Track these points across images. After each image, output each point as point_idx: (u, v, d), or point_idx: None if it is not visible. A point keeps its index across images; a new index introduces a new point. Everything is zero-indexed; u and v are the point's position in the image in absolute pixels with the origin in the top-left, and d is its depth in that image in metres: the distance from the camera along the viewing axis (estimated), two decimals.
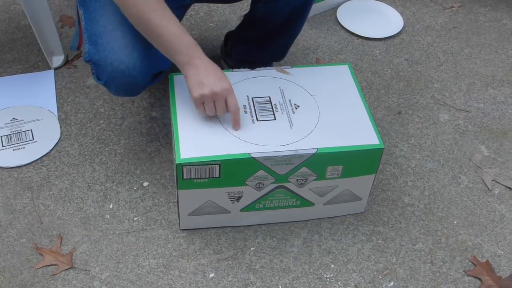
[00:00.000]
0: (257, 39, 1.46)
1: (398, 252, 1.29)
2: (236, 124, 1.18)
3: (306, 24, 1.88)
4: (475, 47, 1.86)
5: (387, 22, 1.92)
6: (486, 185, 1.44)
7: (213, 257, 1.26)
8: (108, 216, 1.32)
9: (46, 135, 1.48)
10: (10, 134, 1.48)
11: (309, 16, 1.90)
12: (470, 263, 1.28)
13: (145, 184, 1.39)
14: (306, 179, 1.20)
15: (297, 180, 1.20)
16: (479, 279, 1.25)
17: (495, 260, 1.28)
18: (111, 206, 1.34)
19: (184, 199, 1.20)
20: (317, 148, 1.15)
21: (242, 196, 1.21)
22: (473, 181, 1.45)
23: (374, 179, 1.26)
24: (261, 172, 1.16)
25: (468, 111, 1.63)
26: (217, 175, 1.15)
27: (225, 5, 1.92)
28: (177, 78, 1.26)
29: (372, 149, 1.18)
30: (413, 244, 1.30)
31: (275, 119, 1.21)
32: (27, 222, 1.30)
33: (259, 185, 1.19)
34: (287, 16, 1.36)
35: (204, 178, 1.15)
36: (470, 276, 1.25)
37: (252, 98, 1.25)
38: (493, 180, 1.45)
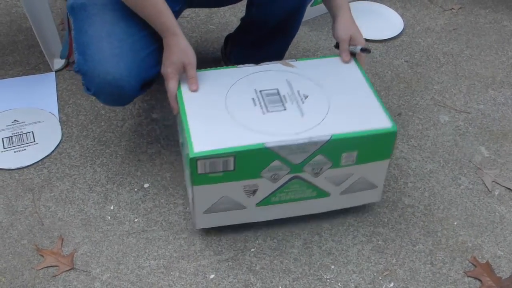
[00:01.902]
0: (254, 42, 1.47)
1: (398, 253, 1.29)
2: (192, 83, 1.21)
3: (307, 26, 1.89)
4: (475, 48, 1.86)
5: (388, 24, 1.92)
6: (486, 186, 1.44)
7: (213, 258, 1.26)
8: (109, 217, 1.33)
9: (47, 137, 1.49)
10: (11, 136, 1.48)
11: (309, 18, 1.92)
12: (470, 264, 1.28)
13: (146, 185, 1.40)
14: (321, 168, 1.18)
15: (312, 169, 1.18)
16: (479, 280, 1.25)
17: (495, 261, 1.29)
18: (112, 208, 1.35)
19: (199, 196, 1.18)
20: (331, 134, 1.13)
21: (257, 189, 1.19)
22: (473, 182, 1.45)
23: (388, 165, 1.24)
24: (276, 163, 1.14)
25: (468, 113, 1.64)
26: (232, 168, 1.13)
27: (225, 8, 1.93)
28: None
29: (386, 133, 1.16)
30: (413, 245, 1.31)
31: (285, 109, 1.19)
32: (28, 223, 1.31)
33: (274, 177, 1.17)
34: (281, 19, 1.36)
35: (219, 171, 1.13)
36: (470, 277, 1.25)
37: (260, 91, 1.23)
38: (493, 181, 1.45)
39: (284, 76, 1.28)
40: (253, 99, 1.21)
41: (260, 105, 1.20)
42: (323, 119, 1.17)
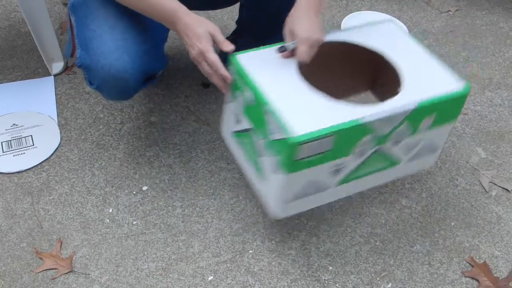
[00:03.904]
0: (249, 44, 1.48)
1: (396, 254, 1.29)
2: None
3: None
4: (472, 50, 1.87)
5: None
6: (483, 187, 1.44)
7: (211, 260, 1.26)
8: (108, 220, 1.33)
9: (46, 140, 1.50)
10: (10, 140, 1.49)
11: None
12: (468, 264, 1.28)
13: (144, 188, 1.40)
14: (402, 136, 1.15)
15: (394, 139, 1.14)
16: (477, 280, 1.25)
17: (493, 261, 1.29)
18: (110, 210, 1.35)
19: (288, 184, 1.08)
20: (418, 102, 1.09)
21: (342, 167, 1.12)
22: (470, 183, 1.45)
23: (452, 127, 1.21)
24: (368, 137, 1.08)
25: (465, 114, 1.64)
26: (328, 149, 1.04)
27: (223, 11, 1.94)
28: (242, 57, 1.15)
29: (462, 94, 1.14)
30: (410, 246, 1.31)
31: None
32: (27, 226, 1.31)
33: (361, 152, 1.10)
34: (272, 20, 1.37)
35: (314, 155, 1.04)
36: (468, 277, 1.26)
37: None
38: (490, 182, 1.46)
39: None
40: None
41: None
42: (401, 87, 1.13)
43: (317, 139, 1.01)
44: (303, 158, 1.03)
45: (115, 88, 1.20)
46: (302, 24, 1.12)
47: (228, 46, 1.12)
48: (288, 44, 1.13)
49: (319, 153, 1.04)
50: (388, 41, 1.24)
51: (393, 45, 1.23)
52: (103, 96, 1.26)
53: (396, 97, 1.10)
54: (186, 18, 1.11)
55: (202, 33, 1.10)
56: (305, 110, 1.04)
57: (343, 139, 1.05)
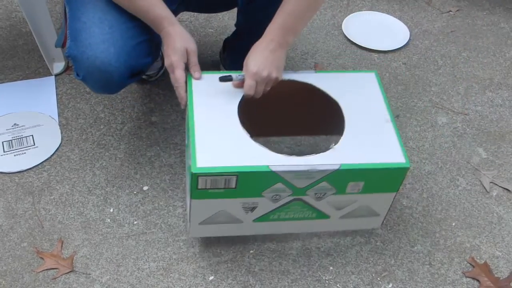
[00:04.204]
0: (248, 47, 1.47)
1: (397, 254, 1.30)
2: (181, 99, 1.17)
3: (305, 29, 1.89)
4: (472, 50, 1.87)
5: (394, 35, 1.90)
6: (484, 187, 1.44)
7: (212, 260, 1.27)
8: (109, 220, 1.33)
9: (47, 140, 1.50)
10: (11, 140, 1.49)
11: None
12: (469, 264, 1.28)
13: (145, 188, 1.40)
14: (325, 193, 1.13)
15: (315, 194, 1.13)
16: (478, 280, 1.25)
17: (493, 261, 1.29)
18: (111, 210, 1.35)
19: (196, 209, 1.13)
20: (340, 164, 1.06)
21: (256, 207, 1.15)
22: (471, 183, 1.45)
23: (394, 197, 1.19)
24: (279, 185, 1.09)
25: (466, 114, 1.64)
26: (234, 186, 1.07)
27: (224, 12, 1.94)
28: (201, 77, 1.18)
29: (397, 168, 1.10)
30: (411, 246, 1.31)
31: None
32: (28, 226, 1.31)
33: (275, 197, 1.12)
34: (267, 25, 1.36)
35: (220, 188, 1.07)
36: (469, 277, 1.26)
37: None
38: (491, 182, 1.46)
39: None
40: None
41: None
42: (335, 144, 1.11)
43: (218, 175, 1.05)
44: (207, 189, 1.07)
45: (100, 81, 1.20)
46: (255, 58, 1.14)
47: (195, 73, 1.17)
48: (237, 74, 1.15)
49: (222, 188, 1.08)
50: (355, 93, 1.20)
51: (357, 98, 1.19)
52: (88, 87, 1.27)
53: (323, 153, 1.08)
54: (170, 29, 1.16)
55: (179, 48, 1.14)
56: (221, 144, 1.08)
57: (248, 181, 1.07)
